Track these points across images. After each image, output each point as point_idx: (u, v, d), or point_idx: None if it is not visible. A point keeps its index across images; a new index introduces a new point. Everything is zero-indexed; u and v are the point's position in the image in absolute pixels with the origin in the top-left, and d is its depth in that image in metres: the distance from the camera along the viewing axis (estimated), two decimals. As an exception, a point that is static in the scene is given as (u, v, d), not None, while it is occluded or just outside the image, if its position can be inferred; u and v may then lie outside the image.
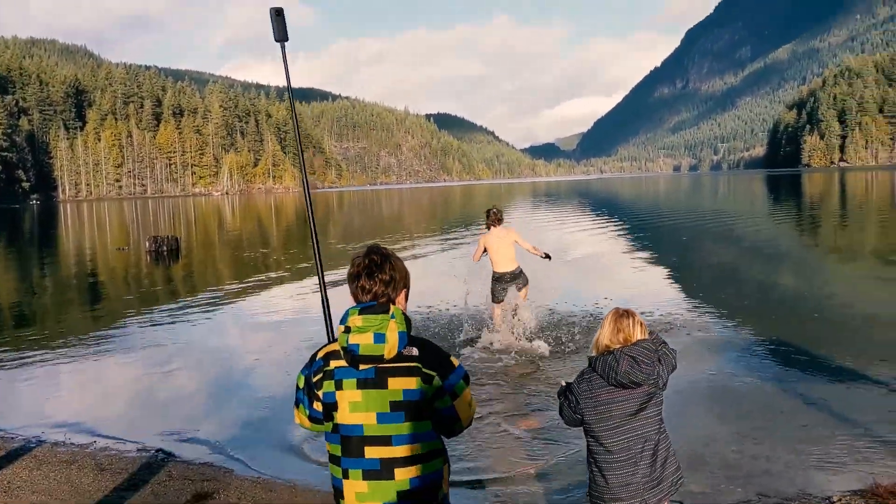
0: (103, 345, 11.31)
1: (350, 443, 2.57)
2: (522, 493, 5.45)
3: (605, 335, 3.46)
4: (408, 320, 2.62)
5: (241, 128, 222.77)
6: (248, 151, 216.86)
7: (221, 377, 9.31)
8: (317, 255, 3.31)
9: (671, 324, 10.72)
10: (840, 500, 5.05)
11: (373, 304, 2.60)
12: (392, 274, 2.65)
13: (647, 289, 14.43)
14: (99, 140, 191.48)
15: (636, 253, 21.82)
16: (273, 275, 19.66)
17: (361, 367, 2.56)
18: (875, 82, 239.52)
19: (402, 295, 2.72)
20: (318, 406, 2.65)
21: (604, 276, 16.47)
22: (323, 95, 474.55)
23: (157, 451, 6.64)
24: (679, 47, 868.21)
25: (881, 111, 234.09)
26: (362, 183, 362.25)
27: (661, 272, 17.16)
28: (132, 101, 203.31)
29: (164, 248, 26.23)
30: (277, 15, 3.39)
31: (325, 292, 3.23)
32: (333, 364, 2.60)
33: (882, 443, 6.00)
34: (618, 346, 3.41)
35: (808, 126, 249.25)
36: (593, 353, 3.50)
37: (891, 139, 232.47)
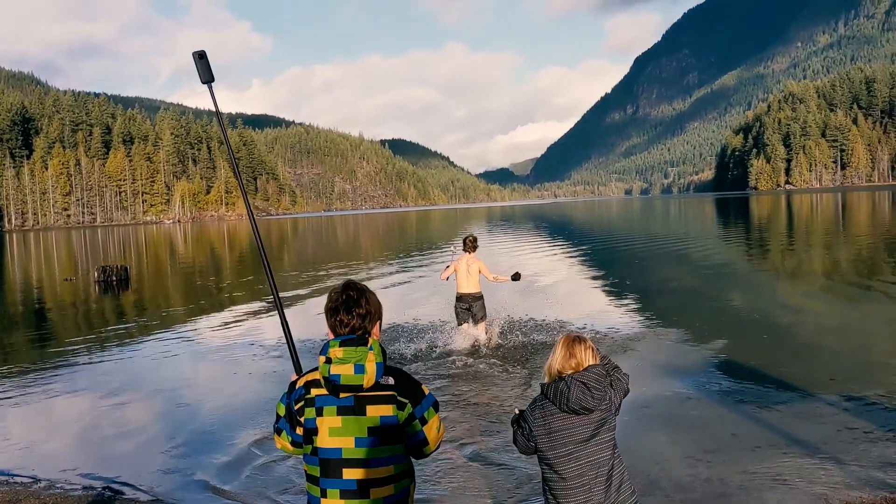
0: (48, 379, 10.98)
1: (329, 465, 2.75)
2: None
3: (557, 361, 3.45)
4: (383, 351, 2.82)
5: (194, 155, 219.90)
6: (201, 179, 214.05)
7: (170, 411, 9.09)
8: (275, 293, 3.38)
9: (623, 347, 10.83)
10: (792, 520, 5.10)
11: (352, 336, 2.79)
12: (368, 308, 2.85)
13: (599, 311, 14.53)
14: (46, 168, 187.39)
15: (589, 276, 22.01)
16: (225, 304, 19.38)
17: (342, 395, 2.76)
18: (817, 107, 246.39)
19: (377, 327, 2.92)
20: (299, 430, 2.84)
21: (558, 300, 16.54)
22: (276, 122, 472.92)
23: (104, 488, 6.46)
24: (628, 74, 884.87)
25: (823, 135, 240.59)
26: (317, 209, 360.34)
27: (613, 295, 17.32)
28: (81, 129, 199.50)
29: (113, 277, 25.71)
30: (201, 58, 3.48)
31: (286, 324, 3.31)
32: (314, 392, 2.79)
33: (832, 462, 6.09)
34: (570, 371, 3.39)
35: (754, 150, 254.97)
36: (545, 380, 3.48)
37: (833, 162, 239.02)
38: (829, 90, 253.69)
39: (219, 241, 64.31)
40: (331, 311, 2.86)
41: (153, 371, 11.35)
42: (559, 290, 18.52)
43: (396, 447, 2.80)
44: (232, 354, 12.15)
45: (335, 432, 2.75)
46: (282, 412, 2.91)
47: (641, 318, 13.73)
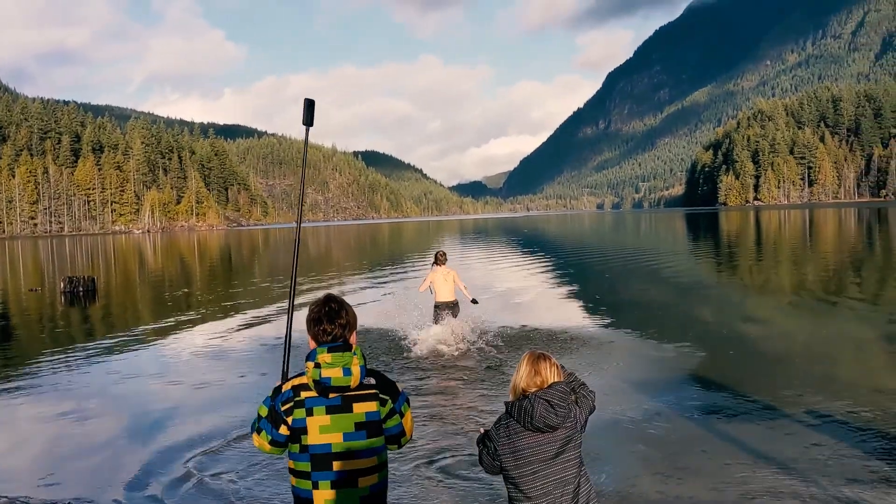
0: (11, 392, 10.76)
1: (320, 459, 3.05)
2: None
3: (522, 379, 3.42)
4: (364, 356, 3.18)
5: (164, 164, 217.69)
6: (171, 188, 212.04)
7: (138, 425, 8.92)
8: (290, 303, 3.62)
9: (592, 363, 10.84)
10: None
11: (338, 344, 3.12)
12: (347, 318, 3.19)
13: (569, 326, 14.52)
14: (13, 176, 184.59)
15: (560, 290, 22.07)
16: (194, 316, 19.16)
17: (330, 395, 3.08)
18: (785, 125, 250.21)
19: (354, 335, 3.24)
20: (284, 430, 3.10)
21: (527, 314, 16.56)
22: (249, 132, 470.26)
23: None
24: (601, 90, 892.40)
25: (791, 152, 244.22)
26: (289, 220, 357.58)
27: (583, 309, 17.38)
28: (49, 137, 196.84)
29: (80, 288, 25.31)
30: (310, 105, 3.93)
31: (289, 335, 3.54)
32: (304, 395, 3.09)
33: (800, 478, 6.12)
34: (534, 389, 3.37)
35: (724, 166, 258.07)
36: (510, 398, 3.46)
37: (801, 179, 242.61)
38: (797, 108, 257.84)
39: (189, 252, 63.67)
40: (314, 322, 3.17)
41: (119, 385, 11.16)
42: (529, 304, 18.54)
43: (379, 439, 3.14)
44: (199, 368, 11.98)
45: (325, 429, 3.05)
46: (264, 413, 3.15)
47: (611, 332, 13.77)
